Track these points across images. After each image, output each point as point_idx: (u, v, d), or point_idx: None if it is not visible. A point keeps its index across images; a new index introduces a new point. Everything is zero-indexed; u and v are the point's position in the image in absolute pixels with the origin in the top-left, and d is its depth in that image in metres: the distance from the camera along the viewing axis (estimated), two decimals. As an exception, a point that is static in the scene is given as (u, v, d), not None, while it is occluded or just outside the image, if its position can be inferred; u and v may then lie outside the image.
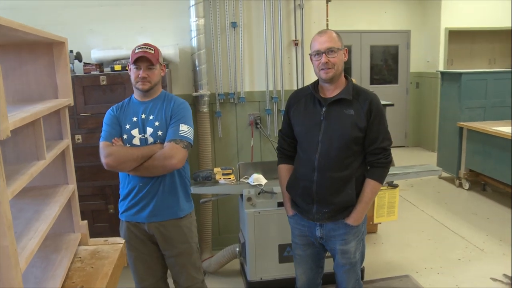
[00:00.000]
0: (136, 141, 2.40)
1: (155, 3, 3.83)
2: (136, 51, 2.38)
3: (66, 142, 1.97)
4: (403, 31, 8.44)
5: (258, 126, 4.07)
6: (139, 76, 2.36)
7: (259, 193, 3.24)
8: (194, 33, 3.75)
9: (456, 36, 8.05)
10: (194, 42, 3.77)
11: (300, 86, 4.07)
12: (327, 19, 4.12)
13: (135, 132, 2.41)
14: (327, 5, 4.11)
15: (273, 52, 3.99)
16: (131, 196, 2.47)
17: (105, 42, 3.80)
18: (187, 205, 2.55)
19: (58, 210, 1.71)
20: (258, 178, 3.28)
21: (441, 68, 7.84)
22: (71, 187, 2.00)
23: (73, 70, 3.58)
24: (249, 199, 3.25)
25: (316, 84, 2.41)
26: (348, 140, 2.28)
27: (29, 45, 1.88)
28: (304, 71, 4.05)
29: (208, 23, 3.84)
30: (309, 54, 2.36)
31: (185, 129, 2.38)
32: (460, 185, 6.11)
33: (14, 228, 1.50)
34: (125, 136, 2.41)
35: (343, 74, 2.35)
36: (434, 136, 7.68)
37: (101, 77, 3.40)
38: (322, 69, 2.27)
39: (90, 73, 3.47)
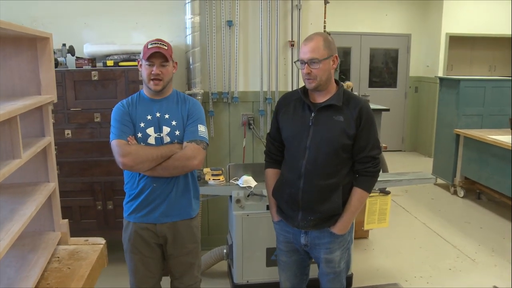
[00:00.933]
0: (151, 140, 2.34)
1: (151, -2, 3.79)
2: (149, 46, 2.29)
3: (48, 139, 1.93)
4: (403, 35, 8.40)
5: (251, 126, 4.03)
6: (152, 72, 2.28)
7: (248, 195, 3.20)
8: (189, 31, 3.71)
9: (456, 41, 8.02)
10: (189, 40, 3.73)
11: (295, 88, 4.02)
12: (324, 21, 4.08)
13: (150, 130, 2.34)
14: (325, 7, 4.06)
15: (269, 53, 3.95)
16: (143, 197, 2.39)
17: (100, 37, 3.76)
18: (197, 205, 2.54)
19: (35, 209, 1.67)
20: (247, 180, 3.24)
21: (440, 73, 7.80)
22: (52, 185, 1.96)
23: (66, 64, 3.54)
24: (238, 201, 3.21)
25: (305, 88, 2.35)
26: (337, 147, 2.23)
27: (12, 40, 1.84)
28: (299, 72, 3.99)
29: (204, 20, 3.80)
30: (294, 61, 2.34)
31: (203, 130, 2.37)
32: (455, 193, 6.08)
33: (-14, 227, 1.47)
34: (139, 135, 2.33)
35: (333, 79, 2.30)
36: (431, 141, 7.66)
37: (92, 72, 3.36)
38: (306, 78, 2.23)
39: (82, 67, 3.42)
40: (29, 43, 1.87)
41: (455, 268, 3.97)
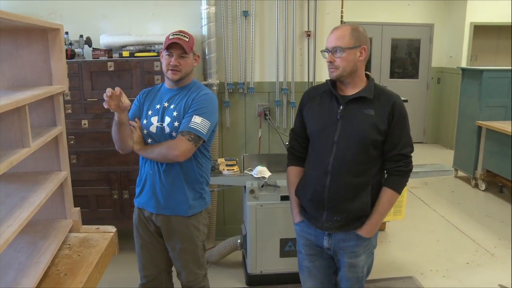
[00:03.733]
0: (152, 129, 2.36)
1: (167, -11, 3.80)
2: (170, 37, 2.29)
3: (59, 129, 1.96)
4: (426, 25, 8.24)
5: (267, 117, 4.02)
6: (170, 63, 2.29)
7: (262, 186, 3.21)
8: (204, 21, 3.71)
9: (481, 31, 7.83)
10: (205, 30, 3.73)
11: (311, 79, 4.01)
12: (341, 10, 4.03)
13: (154, 119, 2.36)
14: (342, -4, 4.02)
15: (285, 43, 3.92)
16: (143, 183, 2.46)
17: (116, 28, 3.79)
18: (198, 203, 2.46)
19: (45, 197, 1.70)
20: (262, 171, 3.25)
21: (464, 64, 7.64)
22: (64, 173, 1.99)
23: (83, 55, 3.58)
24: (252, 191, 3.22)
25: (334, 81, 2.20)
26: (367, 143, 2.09)
27: (25, 31, 1.87)
28: (316, 63, 3.98)
29: (219, 11, 3.79)
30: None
31: (198, 121, 2.27)
32: (476, 186, 5.97)
33: (-4, 214, 1.51)
34: (144, 121, 2.37)
35: (361, 72, 2.15)
36: (452, 133, 7.53)
37: (108, 63, 3.39)
38: (329, 68, 2.12)
39: (98, 58, 3.46)
40: (41, 35, 1.90)
41: (473, 262, 3.91)
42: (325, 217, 2.18)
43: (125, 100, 2.17)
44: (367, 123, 2.09)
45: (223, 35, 3.84)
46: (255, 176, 3.23)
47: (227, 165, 3.31)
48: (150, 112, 2.37)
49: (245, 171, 3.33)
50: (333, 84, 2.20)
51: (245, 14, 3.84)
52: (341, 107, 2.13)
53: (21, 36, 1.88)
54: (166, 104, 2.36)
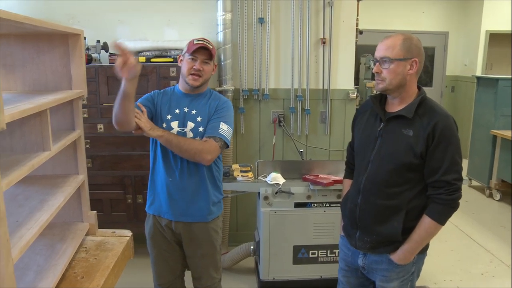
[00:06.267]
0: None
1: (184, -5, 3.84)
2: (195, 42, 2.31)
3: (78, 133, 1.98)
4: (440, 33, 8.20)
5: (281, 124, 4.02)
6: (194, 67, 2.30)
7: (276, 193, 3.21)
8: (220, 28, 3.73)
9: (497, 39, 7.76)
10: (220, 37, 3.75)
11: (326, 86, 4.01)
12: (357, 18, 4.03)
13: (174, 124, 2.35)
14: (358, 4, 4.01)
15: (300, 50, 3.93)
16: (159, 191, 2.43)
17: (133, 33, 3.83)
18: (216, 208, 2.49)
19: (63, 200, 1.72)
20: (276, 177, 3.25)
21: (479, 72, 7.59)
22: (81, 177, 2.02)
23: (99, 60, 3.62)
24: (265, 197, 3.22)
25: (383, 94, 2.10)
26: (399, 165, 1.97)
27: (47, 36, 1.90)
28: (331, 70, 3.98)
29: (235, 18, 3.81)
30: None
31: (225, 128, 2.33)
32: (491, 196, 5.92)
33: (16, 216, 1.53)
34: (164, 125, 2.35)
35: (412, 86, 2.02)
36: (466, 142, 7.46)
37: (125, 68, 3.41)
38: (376, 79, 2.01)
39: (115, 63, 3.48)
40: (62, 40, 1.93)
41: (487, 273, 3.87)
42: (358, 236, 2.13)
43: (131, 60, 2.01)
44: (403, 144, 1.96)
45: (238, 41, 3.86)
46: (269, 182, 3.23)
47: (241, 171, 3.31)
48: (169, 117, 2.36)
49: (259, 178, 3.33)
50: (381, 99, 2.11)
51: (261, 21, 3.85)
52: (381, 125, 2.05)
53: (43, 41, 1.91)
54: (186, 110, 2.37)
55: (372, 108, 2.14)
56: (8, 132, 1.55)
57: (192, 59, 2.31)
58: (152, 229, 2.50)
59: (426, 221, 1.98)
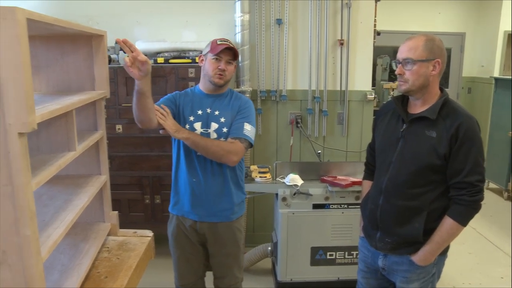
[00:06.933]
0: None
1: (201, -4, 3.85)
2: (219, 42, 2.32)
3: (101, 133, 2.00)
4: (457, 34, 8.12)
5: (299, 125, 4.02)
6: (219, 67, 2.31)
7: (294, 194, 3.21)
8: (238, 29, 3.74)
9: (515, 40, 7.68)
10: (238, 38, 3.76)
11: (343, 87, 3.99)
12: (375, 19, 4.00)
13: (197, 125, 2.36)
14: (375, 5, 3.99)
15: (318, 51, 3.92)
16: (185, 191, 2.43)
17: (151, 35, 3.85)
18: (239, 208, 2.51)
19: (87, 200, 1.73)
20: (294, 179, 3.24)
21: (496, 73, 7.50)
22: (103, 177, 2.03)
23: (118, 61, 3.64)
24: (284, 199, 3.21)
25: (405, 96, 2.11)
26: (422, 167, 1.97)
27: (71, 37, 1.92)
28: (348, 71, 3.96)
29: (253, 19, 3.82)
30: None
31: (249, 129, 2.35)
32: (509, 198, 5.85)
33: (42, 216, 1.54)
34: (186, 126, 2.35)
35: (434, 87, 2.01)
36: (484, 144, 7.38)
37: (144, 69, 3.43)
38: (398, 80, 2.01)
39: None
40: (85, 41, 1.94)
41: (507, 277, 3.81)
42: (378, 237, 2.13)
43: (141, 57, 2.00)
44: (426, 145, 1.96)
45: (256, 42, 3.87)
46: (287, 183, 3.22)
47: (259, 172, 3.31)
48: (191, 118, 2.36)
49: (277, 179, 3.33)
50: (404, 100, 2.11)
51: (279, 22, 3.85)
52: (404, 126, 2.05)
53: (67, 42, 1.93)
54: (209, 110, 2.37)
55: (393, 110, 2.14)
56: (35, 132, 1.56)
57: (217, 59, 2.31)
58: (176, 230, 2.50)
59: (447, 222, 1.98)
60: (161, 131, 2.30)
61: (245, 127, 2.34)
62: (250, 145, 2.37)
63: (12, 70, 1.09)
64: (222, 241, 2.47)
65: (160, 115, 2.24)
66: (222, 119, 2.36)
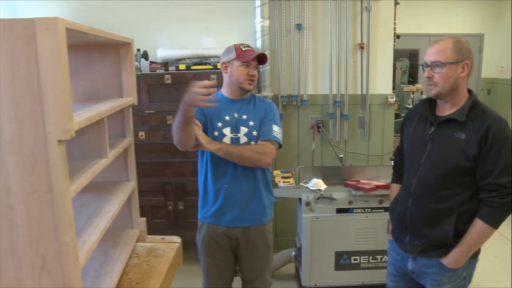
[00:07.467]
0: (226, 140, 2.37)
1: (221, 3, 3.87)
2: (244, 48, 2.36)
3: (129, 140, 2.02)
4: (475, 35, 8.05)
5: (320, 130, 4.01)
6: (249, 73, 2.34)
7: (318, 198, 3.19)
8: (258, 34, 3.75)
9: (534, 40, 7.58)
10: (259, 43, 3.77)
11: (364, 91, 3.98)
12: (394, 22, 3.99)
13: (226, 131, 2.37)
14: (395, 8, 3.97)
15: (338, 55, 3.92)
16: (215, 198, 2.43)
17: (171, 42, 3.88)
18: (270, 210, 2.53)
19: (118, 207, 1.75)
20: (317, 183, 3.23)
21: (516, 74, 7.43)
22: (132, 184, 2.04)
23: (139, 68, 3.67)
24: (307, 203, 3.21)
25: (432, 98, 2.10)
26: (451, 168, 1.96)
27: (99, 45, 1.94)
28: (369, 75, 3.95)
29: (273, 24, 3.83)
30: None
31: (277, 130, 2.40)
32: (532, 200, 5.74)
33: (76, 222, 1.55)
34: (215, 133, 2.36)
35: (463, 90, 2.00)
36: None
37: (165, 75, 3.47)
38: (427, 84, 2.00)
39: (155, 71, 3.55)
40: (113, 49, 1.97)
41: (535, 280, 3.76)
42: (407, 240, 2.12)
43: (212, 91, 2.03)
44: (455, 147, 1.95)
45: (276, 48, 3.87)
46: (311, 188, 3.21)
47: (283, 177, 3.31)
48: (220, 124, 2.37)
49: (301, 183, 3.32)
50: (431, 104, 2.10)
51: (299, 27, 3.86)
52: (432, 129, 2.04)
53: (95, 50, 1.95)
54: (236, 115, 2.39)
55: (421, 113, 2.14)
56: (68, 140, 1.59)
57: (247, 65, 2.34)
58: (206, 238, 2.49)
59: (478, 225, 1.95)
60: (191, 149, 2.30)
61: (273, 128, 2.38)
62: (280, 146, 2.40)
63: (52, 79, 1.11)
64: (254, 245, 2.48)
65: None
66: (251, 123, 2.39)
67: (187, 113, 2.06)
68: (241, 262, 2.55)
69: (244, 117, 2.39)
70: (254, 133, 2.38)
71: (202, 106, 2.08)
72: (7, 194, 1.18)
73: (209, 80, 3.44)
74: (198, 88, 1.99)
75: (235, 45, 2.40)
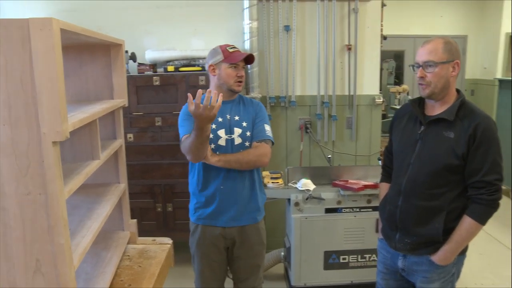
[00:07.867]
0: (222, 142, 2.38)
1: (209, 4, 3.87)
2: (231, 50, 2.37)
3: (119, 142, 2.01)
4: (459, 36, 8.14)
5: (308, 130, 4.03)
6: (238, 75, 2.36)
7: (306, 199, 3.21)
8: (247, 36, 3.76)
9: (517, 41, 7.70)
10: (247, 45, 3.78)
11: (352, 92, 4.01)
12: (381, 24, 4.03)
13: (221, 132, 2.38)
14: (382, 10, 4.01)
15: (326, 57, 3.95)
16: (212, 199, 2.43)
17: (160, 43, 3.87)
18: (263, 208, 2.58)
19: (110, 209, 1.74)
20: (306, 183, 3.25)
21: (499, 75, 7.52)
22: (123, 186, 2.04)
23: (128, 70, 3.66)
24: (296, 204, 3.22)
25: (421, 98, 2.13)
26: (440, 167, 2.00)
27: (89, 46, 1.93)
28: (356, 76, 3.98)
29: (261, 26, 3.84)
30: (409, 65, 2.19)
31: (268, 129, 2.45)
32: (516, 199, 5.85)
33: (69, 224, 1.55)
34: (210, 136, 2.29)
35: (452, 89, 2.05)
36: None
37: (154, 77, 3.46)
38: (420, 84, 2.03)
39: (143, 73, 3.54)
40: (103, 50, 1.96)
41: (519, 277, 3.82)
42: (397, 238, 2.16)
43: (219, 104, 2.03)
44: (444, 146, 1.99)
45: (265, 49, 3.89)
46: (300, 188, 3.23)
47: (271, 178, 3.32)
48: (214, 126, 2.37)
49: (289, 184, 3.33)
50: (420, 103, 2.14)
51: (287, 28, 3.88)
52: (422, 128, 2.08)
53: (85, 52, 1.94)
54: (228, 116, 2.40)
55: (410, 113, 2.18)
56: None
57: (235, 67, 2.35)
58: (202, 240, 2.49)
59: (467, 221, 2.00)
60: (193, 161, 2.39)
61: (265, 128, 2.43)
62: (272, 144, 2.45)
63: (47, 80, 1.10)
64: (250, 243, 2.50)
65: None
66: (244, 124, 2.41)
67: (207, 131, 2.10)
68: (235, 262, 2.55)
69: (236, 118, 2.40)
70: (248, 133, 2.40)
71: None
72: (1, 196, 1.17)
73: (198, 82, 3.45)
74: (208, 105, 2.00)
75: (221, 46, 2.41)
